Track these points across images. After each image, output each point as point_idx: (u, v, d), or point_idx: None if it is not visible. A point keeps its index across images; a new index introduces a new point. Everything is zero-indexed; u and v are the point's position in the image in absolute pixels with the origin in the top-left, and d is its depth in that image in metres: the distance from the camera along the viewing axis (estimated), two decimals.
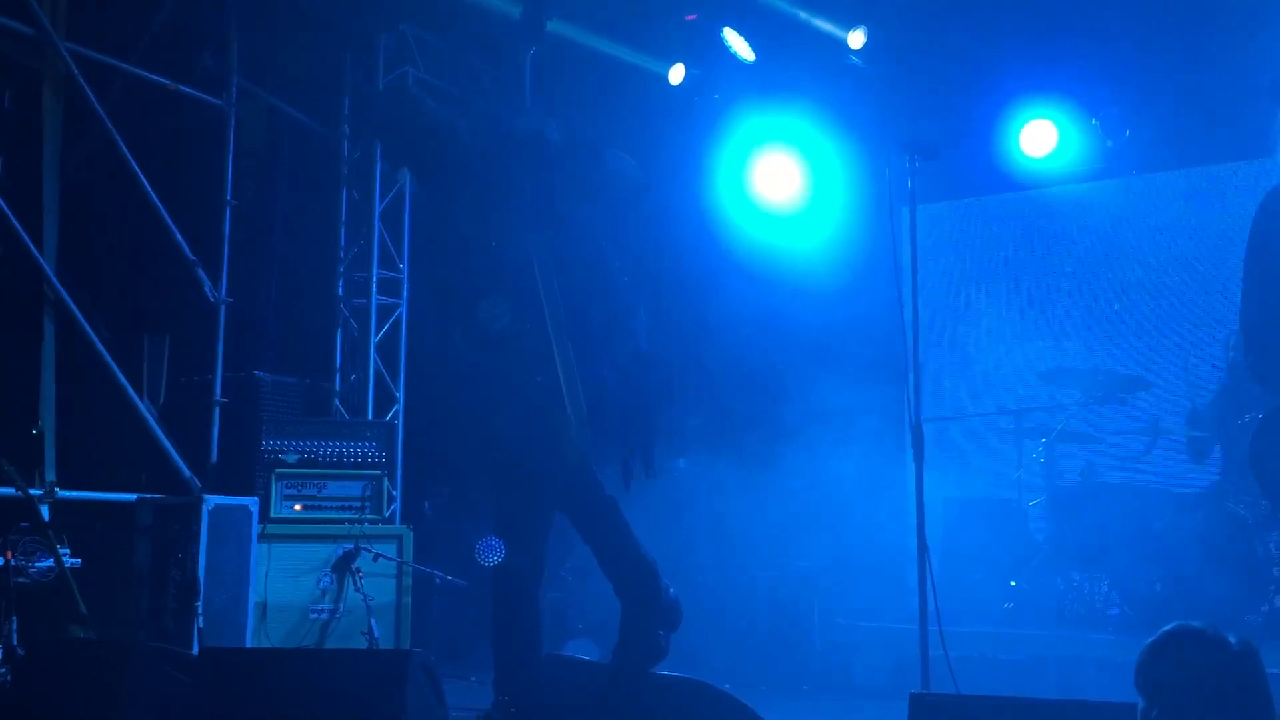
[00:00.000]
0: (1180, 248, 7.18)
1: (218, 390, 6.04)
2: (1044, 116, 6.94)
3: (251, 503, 5.55)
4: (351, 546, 5.73)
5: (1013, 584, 6.13)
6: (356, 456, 6.02)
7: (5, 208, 5.26)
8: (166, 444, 5.62)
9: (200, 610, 5.14)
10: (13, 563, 4.59)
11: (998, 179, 7.30)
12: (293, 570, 5.67)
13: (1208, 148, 6.85)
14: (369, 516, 5.93)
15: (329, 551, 5.72)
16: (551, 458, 3.35)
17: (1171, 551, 5.57)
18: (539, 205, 3.44)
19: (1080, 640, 5.51)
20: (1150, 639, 2.39)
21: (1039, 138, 6.96)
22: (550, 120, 3.46)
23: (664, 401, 3.71)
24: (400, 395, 7.10)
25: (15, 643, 4.35)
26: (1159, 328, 7.18)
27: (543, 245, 3.40)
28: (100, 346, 5.49)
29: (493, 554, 3.44)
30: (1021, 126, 6.98)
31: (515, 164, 3.44)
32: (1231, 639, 2.32)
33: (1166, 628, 2.37)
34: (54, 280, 5.43)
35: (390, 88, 6.97)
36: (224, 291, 6.13)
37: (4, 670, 4.19)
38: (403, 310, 7.20)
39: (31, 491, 4.97)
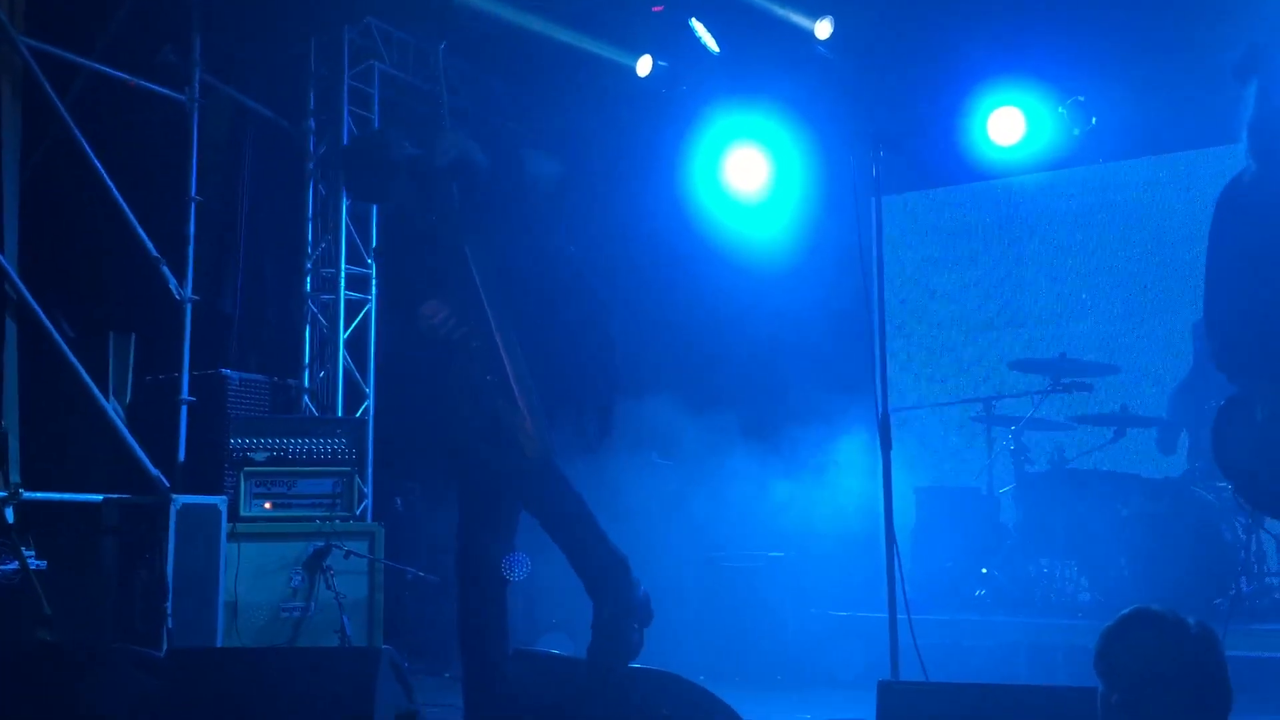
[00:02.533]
0: (1147, 235, 7.23)
1: (185, 389, 5.98)
2: (1011, 104, 6.97)
3: (220, 501, 5.51)
4: (322, 544, 5.69)
5: (984, 571, 6.17)
6: (326, 453, 5.98)
7: None
8: (133, 444, 5.57)
9: (169, 611, 5.10)
10: None
11: (966, 168, 7.33)
12: (263, 569, 5.63)
13: (1175, 135, 6.90)
14: (340, 514, 5.90)
15: (300, 549, 5.69)
16: (511, 455, 3.36)
17: (1140, 537, 5.62)
18: (472, 209, 3.47)
19: (1051, 626, 5.55)
20: (1109, 623, 2.41)
21: (1007, 126, 6.99)
22: (470, 143, 3.49)
23: (622, 367, 3.73)
24: (370, 391, 7.06)
25: None
26: (1126, 315, 7.23)
27: (480, 246, 3.43)
28: (64, 346, 5.43)
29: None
30: (989, 115, 7.01)
31: (444, 186, 3.47)
32: (1190, 622, 2.34)
33: (1125, 611, 2.39)
34: (16, 280, 5.36)
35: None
36: (190, 289, 6.07)
37: None
38: (372, 306, 7.16)
39: None
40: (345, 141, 7.04)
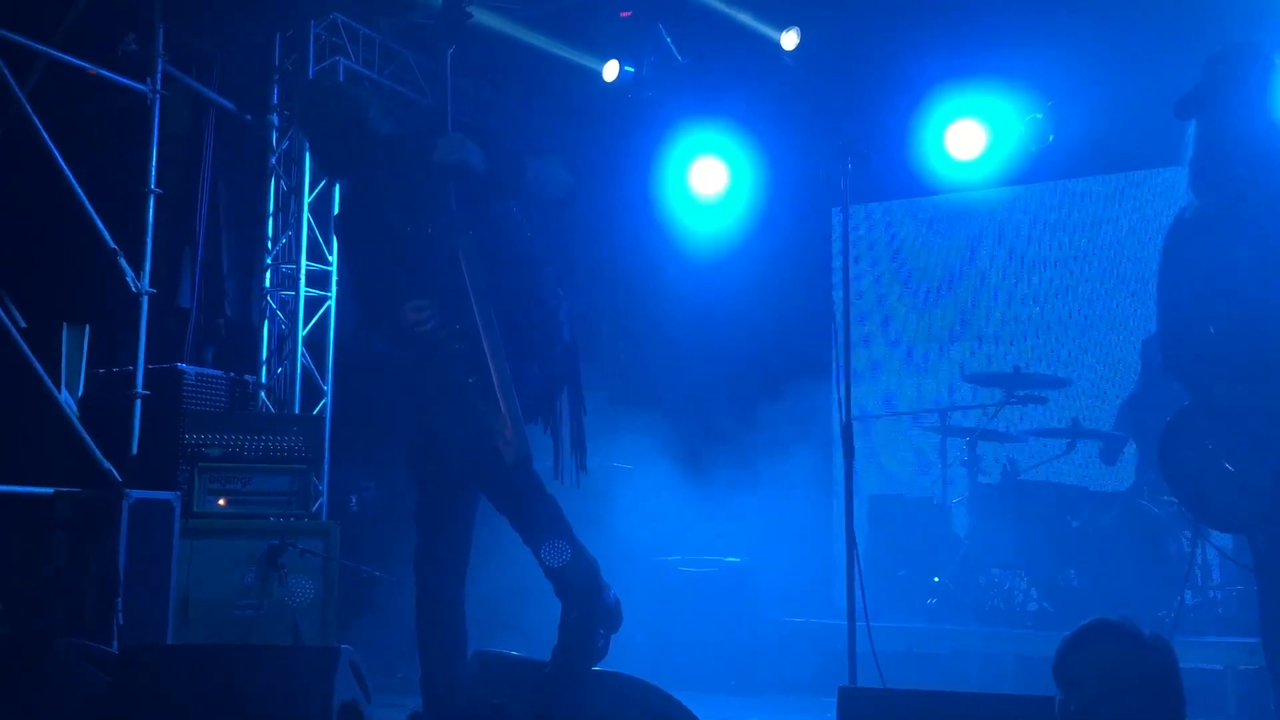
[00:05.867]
0: (1098, 251, 7.36)
1: (139, 383, 5.92)
2: (972, 119, 7.09)
3: (174, 497, 5.45)
4: (277, 542, 5.63)
5: (936, 580, 6.24)
6: (282, 450, 5.93)
7: None
8: (86, 437, 5.50)
9: (120, 607, 5.04)
10: None
11: (927, 181, 7.43)
12: (216, 566, 5.57)
13: (1127, 154, 7.04)
14: (295, 511, 5.85)
15: (254, 547, 5.62)
16: (488, 458, 3.34)
17: (1089, 549, 5.72)
18: (465, 212, 3.44)
19: (1000, 635, 5.63)
20: (1068, 633, 2.46)
21: (966, 141, 7.10)
22: (470, 144, 3.44)
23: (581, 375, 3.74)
24: (328, 389, 7.02)
25: None
26: (1078, 330, 7.36)
27: (470, 244, 3.40)
28: (17, 337, 5.35)
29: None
30: (949, 130, 7.11)
31: (439, 185, 3.42)
32: (1147, 633, 2.40)
33: (1084, 622, 2.44)
34: None
35: (315, 79, 6.88)
36: (146, 282, 6.00)
37: None
38: (331, 303, 7.12)
39: None
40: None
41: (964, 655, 5.55)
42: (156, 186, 6.10)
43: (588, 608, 3.43)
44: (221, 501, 5.79)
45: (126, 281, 5.91)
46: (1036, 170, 7.21)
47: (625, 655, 4.13)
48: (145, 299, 5.97)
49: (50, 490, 5.30)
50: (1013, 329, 7.54)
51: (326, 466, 6.68)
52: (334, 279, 7.13)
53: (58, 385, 5.67)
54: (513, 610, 6.08)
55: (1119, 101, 6.60)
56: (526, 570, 3.69)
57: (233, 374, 6.60)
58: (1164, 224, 3.61)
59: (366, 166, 3.59)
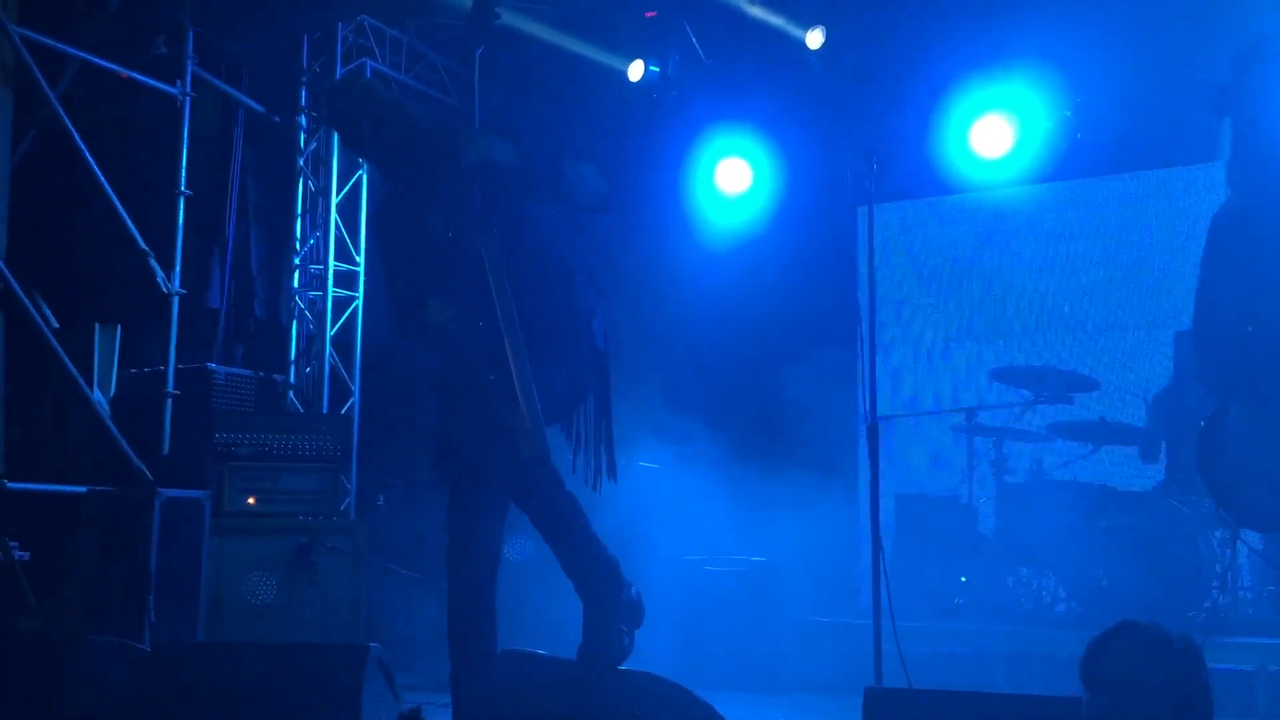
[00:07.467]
0: (1129, 249, 7.31)
1: (170, 382, 5.97)
2: (999, 118, 7.05)
3: (204, 495, 5.50)
4: (305, 540, 5.68)
5: (962, 580, 6.22)
6: (311, 450, 5.97)
7: None
8: (118, 436, 5.55)
9: (151, 604, 5.09)
10: None
11: (952, 180, 7.40)
12: (246, 564, 5.62)
13: (1157, 151, 6.99)
14: (324, 510, 5.90)
15: (283, 545, 5.67)
16: (506, 455, 3.36)
17: (1117, 549, 5.68)
18: (490, 208, 3.44)
19: (1027, 635, 5.61)
20: (1096, 634, 2.45)
21: (993, 139, 7.07)
22: (497, 141, 3.43)
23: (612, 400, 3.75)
24: (356, 389, 7.07)
25: None
26: (1108, 328, 7.31)
27: (493, 243, 3.40)
28: (50, 337, 5.41)
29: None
30: (975, 128, 7.08)
31: (465, 184, 3.43)
32: (1175, 635, 2.39)
33: (1112, 623, 2.44)
34: (3, 269, 5.34)
35: (345, 78, 6.94)
36: (177, 283, 6.06)
37: None
38: (359, 303, 7.17)
39: None
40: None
41: (990, 655, 5.53)
42: (187, 188, 6.16)
43: (608, 605, 3.44)
44: (251, 500, 5.84)
45: (157, 282, 5.97)
46: (1064, 168, 7.17)
47: (651, 654, 4.14)
48: (176, 299, 6.03)
49: (83, 489, 5.36)
50: (1040, 328, 7.50)
51: (355, 465, 6.74)
52: (361, 279, 7.18)
53: (90, 385, 5.74)
54: (541, 608, 6.10)
55: (1148, 98, 6.55)
56: (554, 568, 3.71)
57: (262, 374, 6.65)
58: (1194, 221, 3.59)
59: (407, 156, 3.59)
